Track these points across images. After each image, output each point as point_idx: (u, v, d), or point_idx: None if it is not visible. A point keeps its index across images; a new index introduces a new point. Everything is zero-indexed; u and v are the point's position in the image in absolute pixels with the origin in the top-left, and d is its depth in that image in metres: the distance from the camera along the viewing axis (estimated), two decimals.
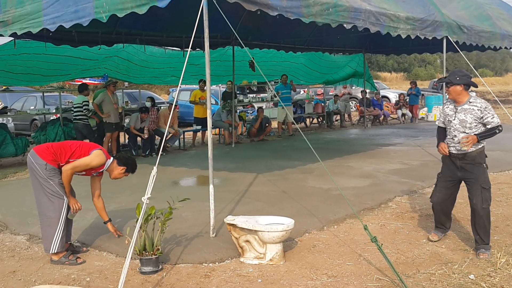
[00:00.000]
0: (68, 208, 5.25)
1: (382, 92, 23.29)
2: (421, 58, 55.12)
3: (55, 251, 5.10)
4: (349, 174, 9.34)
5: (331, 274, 4.74)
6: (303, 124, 19.35)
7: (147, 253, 4.83)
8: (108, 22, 6.77)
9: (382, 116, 19.88)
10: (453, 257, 5.10)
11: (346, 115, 20.11)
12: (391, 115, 20.52)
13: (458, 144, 5.14)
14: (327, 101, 19.61)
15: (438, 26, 9.60)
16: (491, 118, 5.05)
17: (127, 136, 13.22)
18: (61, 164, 5.14)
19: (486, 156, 5.23)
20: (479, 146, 5.14)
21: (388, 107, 20.94)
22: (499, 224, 6.16)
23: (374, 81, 22.85)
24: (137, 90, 17.75)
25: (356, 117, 21.66)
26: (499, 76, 57.69)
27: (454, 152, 5.22)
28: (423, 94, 22.17)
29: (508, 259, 4.93)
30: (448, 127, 5.29)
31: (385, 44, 15.88)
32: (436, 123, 5.58)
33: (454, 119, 5.20)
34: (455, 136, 5.18)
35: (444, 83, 5.42)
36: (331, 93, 22.50)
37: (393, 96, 25.95)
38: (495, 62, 63.46)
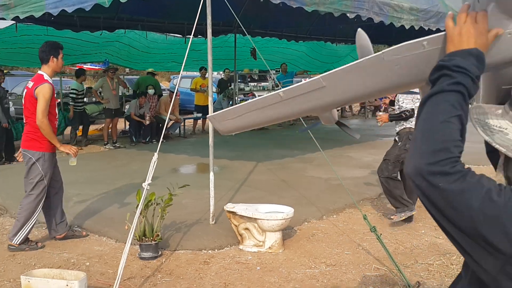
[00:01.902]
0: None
1: None
2: None
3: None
4: (349, 164, 9.35)
5: (329, 262, 4.76)
6: None
7: (146, 239, 4.86)
8: (110, 8, 6.75)
9: (383, 107, 19.85)
10: (452, 248, 5.08)
11: (346, 106, 20.08)
12: (392, 107, 20.50)
13: (380, 126, 6.26)
14: None
15: (441, 17, 9.55)
16: (402, 103, 5.79)
17: (127, 123, 13.21)
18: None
19: (410, 139, 5.79)
20: (401, 128, 5.88)
21: (389, 97, 20.90)
22: None
23: None
24: (138, 77, 17.71)
25: (357, 107, 21.63)
26: None
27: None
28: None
29: None
30: None
31: (388, 34, 15.79)
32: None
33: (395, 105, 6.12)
34: None
35: None
36: None
37: None
38: None
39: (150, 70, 13.94)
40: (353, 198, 5.83)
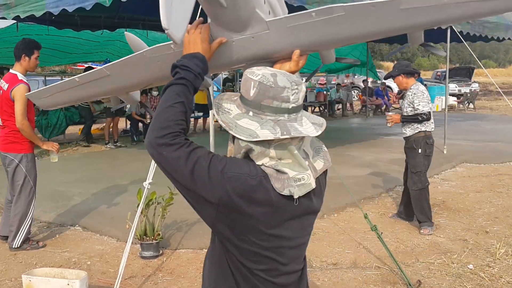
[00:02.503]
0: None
1: (387, 82, 23.17)
2: (424, 48, 54.86)
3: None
4: (350, 163, 9.34)
5: (330, 261, 4.76)
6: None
7: (147, 238, 4.86)
8: (111, 7, 6.74)
9: (384, 106, 19.85)
10: (452, 247, 5.12)
11: (348, 104, 20.07)
12: (393, 105, 20.48)
13: (402, 128, 5.68)
14: (330, 90, 19.55)
15: None
16: (417, 105, 5.47)
17: (128, 122, 13.21)
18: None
19: (428, 143, 5.57)
20: (416, 131, 5.55)
21: (391, 97, 20.89)
22: (499, 215, 6.17)
23: (377, 70, 22.78)
24: None
25: (358, 106, 21.63)
26: (502, 68, 57.41)
27: (402, 136, 5.80)
28: (425, 85, 22.09)
29: (507, 250, 4.95)
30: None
31: None
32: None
33: (401, 105, 5.96)
34: None
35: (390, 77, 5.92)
36: (334, 82, 22.43)
37: (396, 86, 25.86)
38: (499, 53, 63.12)
39: None
40: (354, 197, 5.83)
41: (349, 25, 1.86)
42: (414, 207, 5.61)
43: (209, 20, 1.87)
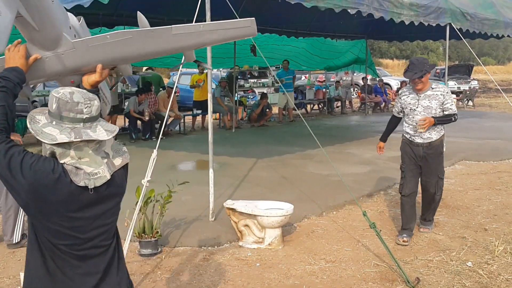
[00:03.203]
0: None
1: (385, 80, 23.16)
2: (424, 45, 54.77)
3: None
4: (349, 161, 9.34)
5: (329, 259, 4.76)
6: (303, 110, 19.31)
7: (146, 236, 4.85)
8: (109, 4, 6.74)
9: (383, 103, 19.84)
10: (451, 244, 5.12)
11: (347, 102, 20.05)
12: (392, 102, 20.48)
13: (425, 133, 5.10)
14: (329, 87, 19.54)
15: (441, 13, 9.53)
16: (451, 105, 5.08)
17: (127, 120, 13.19)
18: None
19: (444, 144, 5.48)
20: (442, 134, 5.20)
21: (390, 94, 20.89)
22: (498, 213, 6.17)
23: (376, 68, 22.77)
24: (138, 76, 17.67)
25: (357, 103, 21.61)
26: (501, 65, 57.42)
27: (419, 141, 5.16)
28: None
29: (506, 247, 4.95)
30: (410, 116, 5.19)
31: (388, 30, 15.77)
32: (394, 112, 5.58)
33: (417, 107, 5.11)
34: None
35: (417, 76, 5.00)
36: (333, 79, 22.41)
37: (395, 83, 25.85)
38: (498, 50, 63.11)
39: (146, 68, 14.03)
40: (353, 195, 5.83)
41: (136, 46, 2.44)
42: (432, 209, 5.44)
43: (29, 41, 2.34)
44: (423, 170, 5.20)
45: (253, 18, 2.63)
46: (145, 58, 2.69)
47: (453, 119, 5.09)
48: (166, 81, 25.37)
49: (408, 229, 5.24)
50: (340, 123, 16.15)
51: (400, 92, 5.38)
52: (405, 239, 5.12)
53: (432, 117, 5.01)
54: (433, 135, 5.14)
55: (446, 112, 5.07)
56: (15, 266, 4.64)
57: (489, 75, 13.62)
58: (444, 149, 5.39)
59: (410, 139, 5.23)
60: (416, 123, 5.08)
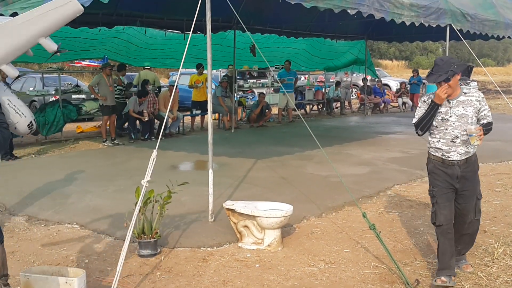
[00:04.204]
0: None
1: (383, 80, 23.16)
2: (423, 46, 54.80)
3: None
4: (348, 162, 9.34)
5: (328, 260, 4.75)
6: (303, 110, 19.32)
7: (145, 236, 4.85)
8: (109, 3, 6.71)
9: (383, 104, 19.85)
10: None
11: (346, 103, 20.05)
12: (391, 103, 20.50)
13: (461, 147, 4.19)
14: (328, 88, 19.54)
15: (442, 14, 9.53)
16: (488, 111, 4.24)
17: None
18: None
19: None
20: (476, 148, 4.31)
21: (389, 95, 20.90)
22: (498, 214, 6.17)
23: (376, 68, 22.78)
24: (137, 73, 17.65)
25: (356, 104, 21.61)
26: (501, 66, 57.45)
27: (455, 158, 4.23)
28: (424, 83, 22.11)
29: (506, 249, 4.95)
30: (441, 128, 4.25)
31: (388, 31, 15.80)
32: (414, 122, 4.39)
33: (450, 116, 4.21)
34: (456, 136, 4.20)
35: (442, 79, 4.13)
36: (332, 80, 22.40)
37: (394, 84, 25.86)
38: (497, 52, 63.14)
39: (146, 66, 14.08)
40: (353, 196, 5.82)
41: None
42: (470, 240, 4.52)
43: None
44: (459, 193, 4.29)
45: None
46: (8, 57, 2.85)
47: (491, 127, 4.27)
48: (165, 81, 25.40)
49: (449, 268, 4.21)
50: (339, 124, 16.15)
51: (425, 98, 4.35)
52: (444, 279, 4.13)
53: (482, 127, 4.13)
54: (471, 149, 4.25)
55: (484, 121, 4.19)
56: (14, 266, 4.62)
57: (489, 76, 13.62)
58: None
59: (443, 156, 4.27)
60: (456, 137, 4.18)
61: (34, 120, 3.71)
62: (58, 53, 3.45)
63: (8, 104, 3.47)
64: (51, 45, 3.22)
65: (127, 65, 12.59)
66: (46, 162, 9.60)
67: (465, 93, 4.24)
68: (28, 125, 3.70)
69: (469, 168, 4.26)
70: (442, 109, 4.23)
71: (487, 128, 4.19)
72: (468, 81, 28.89)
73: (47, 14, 2.99)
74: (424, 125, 4.31)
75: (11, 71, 3.08)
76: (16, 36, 2.89)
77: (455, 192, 4.29)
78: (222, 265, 4.66)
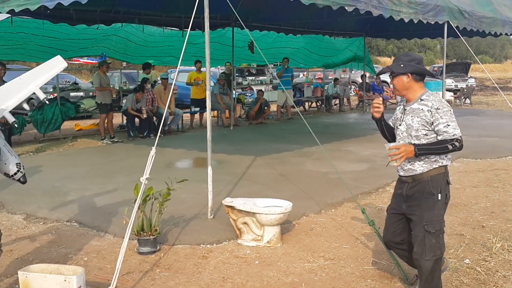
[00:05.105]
0: None
1: (382, 77, 23.18)
2: (421, 43, 54.95)
3: None
4: (347, 158, 9.35)
5: (328, 256, 4.76)
6: (301, 107, 19.33)
7: (145, 234, 4.85)
8: (106, 1, 6.74)
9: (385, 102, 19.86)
10: (449, 241, 5.12)
11: (345, 99, 20.07)
12: (390, 100, 20.50)
13: (405, 161, 3.59)
14: (326, 85, 19.54)
15: (440, 11, 9.53)
16: (444, 126, 3.43)
17: (125, 118, 13.17)
18: None
19: (449, 183, 3.65)
20: (434, 166, 3.54)
21: (387, 92, 20.91)
22: (495, 210, 6.18)
23: (374, 65, 22.78)
24: (135, 71, 17.65)
25: (355, 101, 21.62)
26: (498, 63, 57.55)
27: (401, 174, 3.69)
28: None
29: (503, 244, 4.96)
30: (396, 136, 3.76)
31: (386, 28, 15.80)
32: None
33: (400, 125, 3.69)
34: None
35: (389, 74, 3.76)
36: (331, 77, 22.41)
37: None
38: (495, 48, 63.28)
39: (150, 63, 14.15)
40: (352, 192, 5.82)
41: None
42: (424, 281, 3.61)
43: None
44: (407, 215, 3.70)
45: (59, 56, 4.19)
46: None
47: (450, 147, 3.40)
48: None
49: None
50: (338, 120, 16.15)
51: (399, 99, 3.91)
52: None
53: (414, 144, 3.50)
54: (417, 166, 3.58)
55: (439, 137, 3.46)
56: (12, 265, 4.63)
57: (486, 73, 13.65)
58: (440, 197, 3.55)
59: (398, 171, 3.76)
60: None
61: (23, 166, 4.05)
62: (46, 101, 4.55)
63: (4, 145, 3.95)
64: (41, 95, 4.12)
65: (106, 63, 12.51)
66: (45, 160, 9.59)
67: (421, 99, 3.57)
68: (17, 164, 3.96)
69: (417, 187, 3.58)
70: (398, 115, 3.76)
71: (437, 147, 3.43)
72: (466, 78, 28.94)
73: (43, 74, 4.06)
74: (382, 135, 3.99)
75: (11, 118, 3.92)
76: (22, 89, 3.92)
77: (403, 214, 3.73)
78: (221, 262, 4.66)
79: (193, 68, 14.83)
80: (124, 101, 13.69)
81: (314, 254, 4.82)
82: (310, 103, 19.86)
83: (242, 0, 11.86)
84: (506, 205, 6.40)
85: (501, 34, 12.06)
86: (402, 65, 3.62)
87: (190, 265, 4.59)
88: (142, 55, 15.05)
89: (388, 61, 50.90)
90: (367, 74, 19.93)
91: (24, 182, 4.15)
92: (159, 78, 15.43)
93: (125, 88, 14.53)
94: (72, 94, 15.10)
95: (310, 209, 6.18)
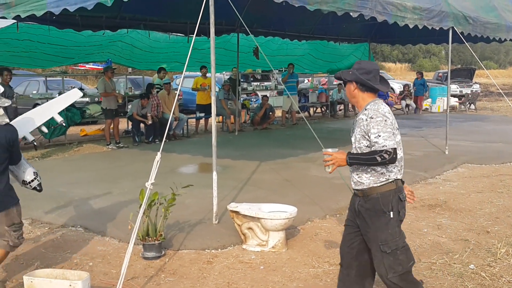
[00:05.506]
0: None
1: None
2: (426, 49, 54.86)
3: None
4: None
5: (333, 262, 4.76)
6: (306, 113, 19.33)
7: (150, 239, 4.86)
8: (112, 7, 6.73)
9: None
10: (454, 247, 5.12)
11: (349, 105, 20.04)
12: (394, 105, 20.48)
13: (354, 173, 3.44)
14: (331, 91, 19.54)
15: (444, 17, 9.54)
16: (375, 137, 3.25)
17: (130, 123, 13.22)
18: None
19: (402, 199, 3.42)
20: (382, 179, 3.33)
21: (392, 97, 20.90)
22: (500, 215, 6.17)
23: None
24: (141, 77, 17.71)
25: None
26: (503, 69, 57.37)
27: (352, 186, 3.50)
28: (428, 86, 22.11)
29: (508, 250, 4.95)
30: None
31: (391, 33, 15.80)
32: None
33: (352, 136, 3.57)
34: None
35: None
36: (335, 83, 22.41)
37: (397, 87, 25.86)
38: (499, 54, 63.12)
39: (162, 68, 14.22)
40: None
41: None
42: None
43: None
44: (361, 232, 3.47)
45: (76, 88, 4.40)
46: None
47: (378, 159, 3.19)
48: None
49: None
50: (343, 126, 16.14)
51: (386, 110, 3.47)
52: None
53: (349, 152, 3.37)
54: (364, 178, 3.37)
55: (373, 148, 3.27)
56: (18, 270, 4.65)
57: (491, 78, 13.64)
58: (392, 214, 3.33)
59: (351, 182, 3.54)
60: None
61: (39, 175, 4.64)
62: (64, 124, 5.46)
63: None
64: (58, 118, 4.88)
65: (112, 69, 12.56)
66: (50, 165, 9.63)
67: (365, 109, 3.46)
68: (34, 172, 4.56)
69: (367, 205, 3.35)
70: (352, 126, 3.60)
71: (365, 158, 3.26)
72: (471, 83, 28.90)
73: (61, 103, 4.95)
74: None
75: (30, 138, 4.72)
76: (42, 115, 4.74)
77: (359, 228, 3.47)
78: (226, 267, 4.67)
79: (198, 73, 14.87)
80: (129, 107, 13.75)
81: (319, 260, 4.83)
82: (315, 109, 19.85)
83: (247, 6, 11.90)
84: (511, 210, 6.38)
85: (505, 40, 12.05)
86: (350, 73, 3.52)
87: (195, 270, 4.60)
88: (147, 61, 15.11)
89: (393, 66, 50.89)
90: None
91: (40, 190, 4.61)
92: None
93: (130, 93, 14.57)
94: (77, 99, 15.14)
95: (315, 214, 6.18)
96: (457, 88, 25.02)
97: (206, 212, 6.04)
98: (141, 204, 4.53)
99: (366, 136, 3.33)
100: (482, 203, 6.72)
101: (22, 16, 7.56)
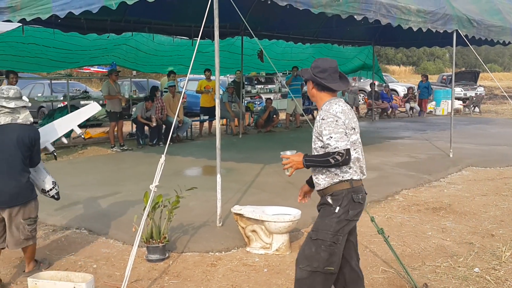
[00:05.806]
0: None
1: (391, 86, 23.14)
2: (430, 52, 54.74)
3: None
4: None
5: None
6: (310, 116, 19.32)
7: (154, 241, 4.87)
8: (117, 10, 6.76)
9: (390, 109, 19.82)
10: (458, 250, 5.10)
11: (354, 108, 20.04)
12: (399, 108, 20.47)
13: (313, 173, 3.47)
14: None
15: (448, 19, 9.52)
16: (327, 138, 3.22)
17: (134, 126, 13.24)
18: None
19: (355, 201, 3.35)
20: (335, 180, 3.31)
21: (396, 100, 20.88)
22: (505, 218, 6.15)
23: (383, 74, 22.78)
24: (145, 79, 17.75)
25: (364, 110, 21.60)
26: (507, 72, 57.23)
27: (315, 188, 3.55)
28: (432, 88, 22.08)
29: None
30: None
31: (395, 36, 15.80)
32: None
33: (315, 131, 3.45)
34: None
35: None
36: None
37: (402, 90, 25.85)
38: (504, 57, 62.97)
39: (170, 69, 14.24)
40: None
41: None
42: None
43: None
44: None
45: (95, 103, 5.47)
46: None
47: (331, 161, 3.18)
48: None
49: None
50: None
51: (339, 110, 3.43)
52: None
53: (305, 154, 3.35)
54: (320, 180, 3.39)
55: (326, 150, 3.25)
56: (22, 272, 4.66)
57: (495, 81, 13.60)
58: (338, 210, 3.31)
59: None
60: None
61: (57, 184, 4.95)
62: (82, 136, 5.77)
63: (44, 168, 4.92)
64: (77, 130, 5.31)
65: (116, 71, 12.60)
66: (55, 168, 9.62)
67: (321, 109, 3.42)
68: (52, 182, 4.85)
69: (320, 202, 3.45)
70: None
71: (319, 160, 3.25)
72: (475, 86, 28.86)
73: (81, 115, 5.27)
74: None
75: (51, 148, 5.26)
76: (63, 127, 5.20)
77: None
78: (230, 270, 4.67)
79: (203, 76, 14.89)
80: (133, 109, 13.78)
81: None
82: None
83: (251, 9, 11.92)
84: None
85: (510, 43, 12.00)
86: (307, 72, 3.53)
87: (199, 273, 4.61)
88: (152, 64, 15.15)
89: (397, 69, 50.83)
90: (376, 83, 19.91)
91: (57, 199, 4.93)
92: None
93: (134, 96, 14.60)
94: (82, 102, 15.18)
95: None
96: (462, 91, 24.99)
97: (210, 215, 6.04)
98: (145, 207, 4.54)
99: (320, 137, 3.32)
100: (487, 206, 6.70)
101: (28, 19, 7.59)
